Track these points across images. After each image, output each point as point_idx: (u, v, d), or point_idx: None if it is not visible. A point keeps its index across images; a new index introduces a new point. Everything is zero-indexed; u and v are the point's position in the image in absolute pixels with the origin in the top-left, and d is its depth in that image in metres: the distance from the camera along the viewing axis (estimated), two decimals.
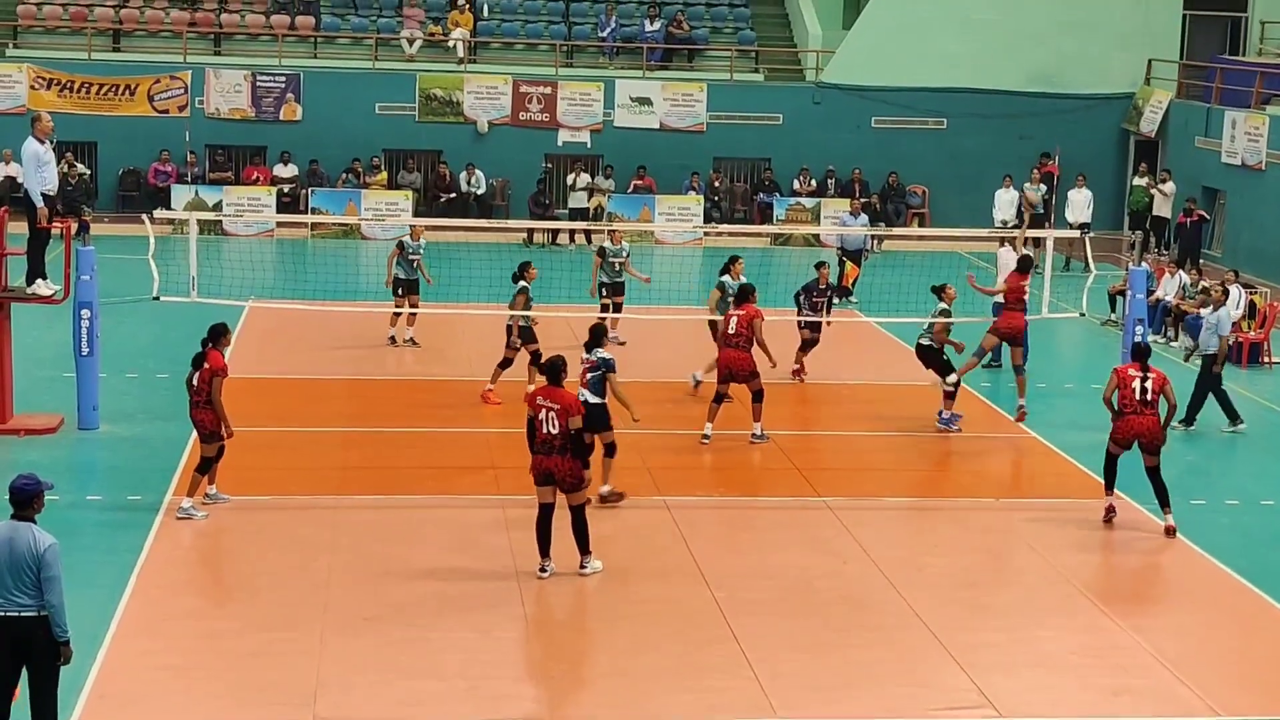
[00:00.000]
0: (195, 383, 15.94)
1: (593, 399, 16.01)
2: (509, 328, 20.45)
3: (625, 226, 31.40)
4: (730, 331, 18.92)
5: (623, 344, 23.65)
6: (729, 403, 19.41)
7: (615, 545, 15.10)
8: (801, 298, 22.33)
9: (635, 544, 15.46)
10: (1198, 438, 20.40)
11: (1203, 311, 21.54)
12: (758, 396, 19.10)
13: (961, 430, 19.99)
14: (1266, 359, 24.58)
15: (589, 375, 16.16)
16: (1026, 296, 20.45)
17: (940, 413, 20.13)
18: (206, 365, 15.91)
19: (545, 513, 14.54)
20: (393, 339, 23.87)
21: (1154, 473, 16.36)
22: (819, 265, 22.62)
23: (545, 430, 14.34)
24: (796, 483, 17.91)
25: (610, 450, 16.23)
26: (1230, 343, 20.93)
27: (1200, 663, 13.20)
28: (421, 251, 23.97)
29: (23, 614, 10.28)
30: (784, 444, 19.18)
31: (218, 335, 16.18)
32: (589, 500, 14.78)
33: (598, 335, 16.31)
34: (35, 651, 10.36)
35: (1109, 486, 16.68)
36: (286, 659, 12.65)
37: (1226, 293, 21.93)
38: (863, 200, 31.87)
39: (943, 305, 20.21)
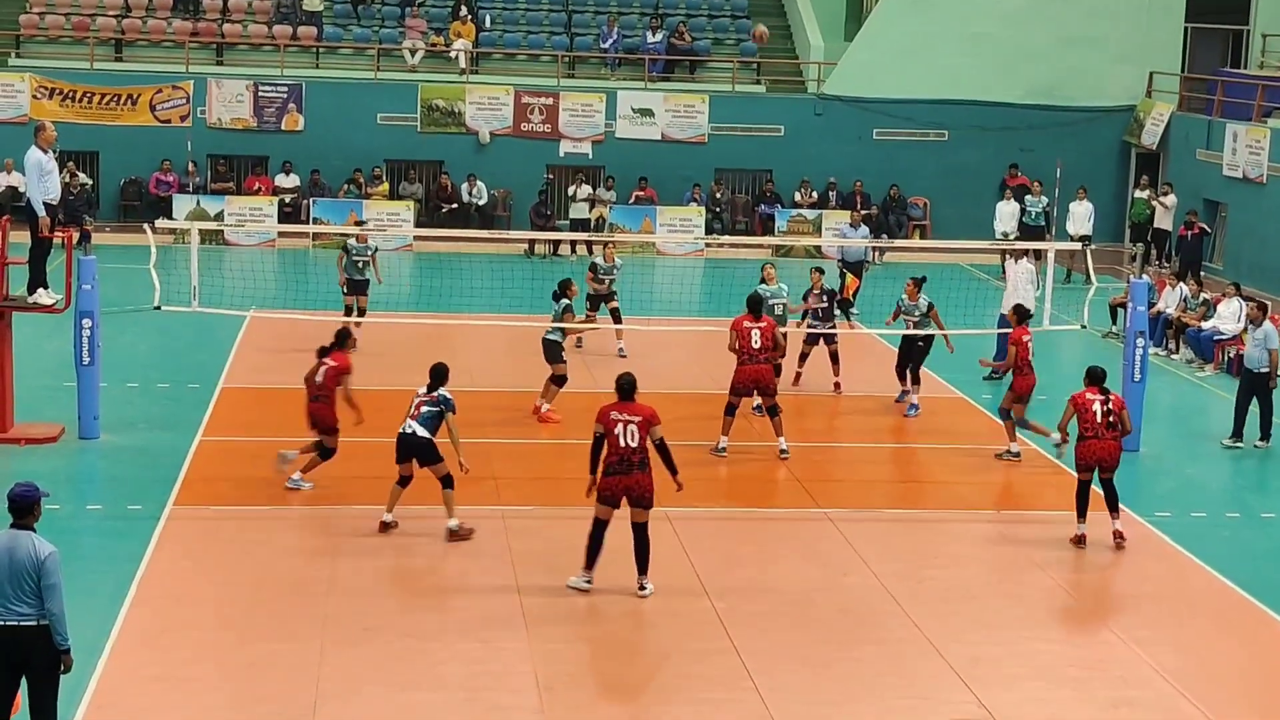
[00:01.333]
0: (320, 379, 16.84)
1: (421, 433, 15.79)
2: (558, 345, 20.44)
3: (626, 238, 31.42)
4: (756, 346, 18.94)
5: (624, 356, 23.67)
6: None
7: (615, 557, 15.06)
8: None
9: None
10: (1200, 453, 20.41)
11: (1249, 332, 21.30)
12: (775, 410, 19.19)
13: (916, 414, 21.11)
14: None
15: (423, 409, 15.85)
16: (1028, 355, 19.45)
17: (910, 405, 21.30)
18: (334, 364, 16.83)
19: (602, 527, 14.45)
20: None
21: (1108, 484, 16.46)
22: (814, 270, 22.62)
23: (624, 444, 14.21)
24: (797, 494, 17.92)
25: (448, 482, 15.92)
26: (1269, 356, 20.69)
27: (1201, 676, 13.20)
28: (370, 253, 24.14)
29: (22, 623, 10.27)
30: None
31: (343, 338, 17.34)
32: None
33: (441, 375, 15.98)
34: (35, 661, 10.35)
35: (1081, 514, 16.42)
36: (286, 670, 12.65)
37: (1264, 308, 21.65)
38: (864, 212, 31.87)
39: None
